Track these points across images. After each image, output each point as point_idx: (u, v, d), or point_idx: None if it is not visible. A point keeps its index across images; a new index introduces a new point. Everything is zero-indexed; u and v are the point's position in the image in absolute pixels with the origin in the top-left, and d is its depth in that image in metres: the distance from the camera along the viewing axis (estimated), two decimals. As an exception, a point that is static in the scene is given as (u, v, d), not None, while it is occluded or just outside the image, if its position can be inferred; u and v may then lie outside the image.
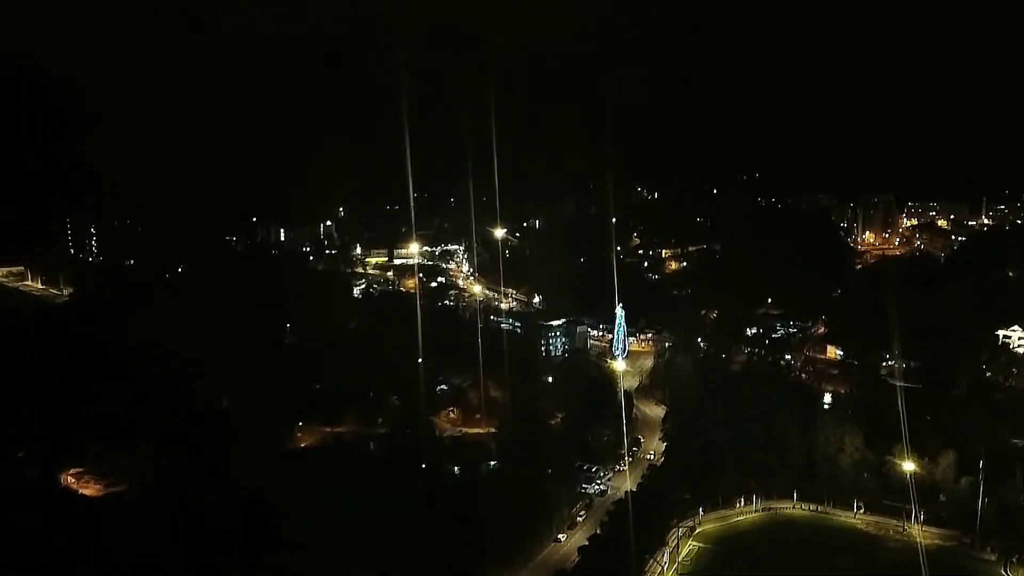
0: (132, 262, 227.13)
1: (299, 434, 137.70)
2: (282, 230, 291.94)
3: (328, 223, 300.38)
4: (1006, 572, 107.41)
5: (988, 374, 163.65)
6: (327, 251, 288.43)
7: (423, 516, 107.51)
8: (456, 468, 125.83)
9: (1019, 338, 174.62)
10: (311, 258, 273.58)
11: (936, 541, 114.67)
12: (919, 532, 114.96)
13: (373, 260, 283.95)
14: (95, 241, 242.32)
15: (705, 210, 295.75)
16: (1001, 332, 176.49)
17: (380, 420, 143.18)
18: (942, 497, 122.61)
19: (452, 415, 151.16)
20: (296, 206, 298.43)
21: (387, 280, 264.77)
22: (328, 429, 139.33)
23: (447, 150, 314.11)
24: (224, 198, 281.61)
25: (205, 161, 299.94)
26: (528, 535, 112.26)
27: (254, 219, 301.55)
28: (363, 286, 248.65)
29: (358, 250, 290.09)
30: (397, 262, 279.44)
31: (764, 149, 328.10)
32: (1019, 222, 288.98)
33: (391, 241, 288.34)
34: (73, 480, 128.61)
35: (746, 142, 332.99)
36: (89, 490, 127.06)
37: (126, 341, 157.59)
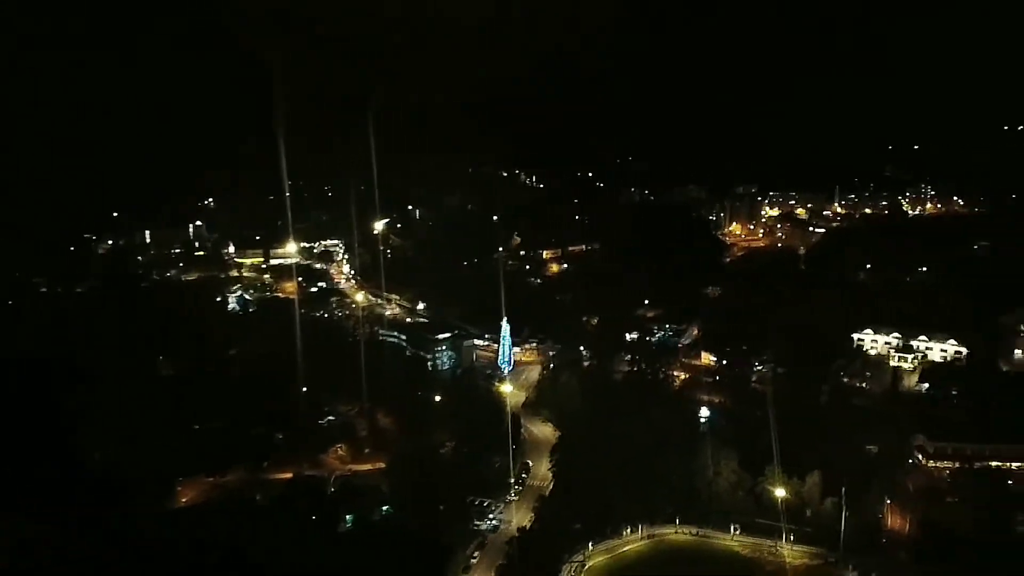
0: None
1: (181, 488, 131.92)
2: (148, 232, 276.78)
3: (198, 223, 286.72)
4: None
5: (846, 380, 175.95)
6: (198, 253, 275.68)
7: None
8: (348, 517, 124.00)
9: (872, 341, 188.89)
10: (181, 264, 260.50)
11: (804, 560, 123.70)
12: (788, 552, 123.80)
13: (248, 261, 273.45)
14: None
15: (584, 206, 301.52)
16: (856, 335, 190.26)
17: (266, 464, 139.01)
18: (809, 513, 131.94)
19: (340, 451, 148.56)
20: (163, 204, 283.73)
21: (264, 284, 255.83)
22: (212, 479, 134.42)
23: (324, 139, 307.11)
24: (82, 194, 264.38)
25: (59, 154, 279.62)
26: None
27: (115, 214, 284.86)
28: (238, 293, 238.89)
29: (231, 249, 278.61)
30: (274, 262, 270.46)
31: (639, 142, 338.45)
32: (867, 211, 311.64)
33: (267, 238, 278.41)
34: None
35: (622, 133, 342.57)
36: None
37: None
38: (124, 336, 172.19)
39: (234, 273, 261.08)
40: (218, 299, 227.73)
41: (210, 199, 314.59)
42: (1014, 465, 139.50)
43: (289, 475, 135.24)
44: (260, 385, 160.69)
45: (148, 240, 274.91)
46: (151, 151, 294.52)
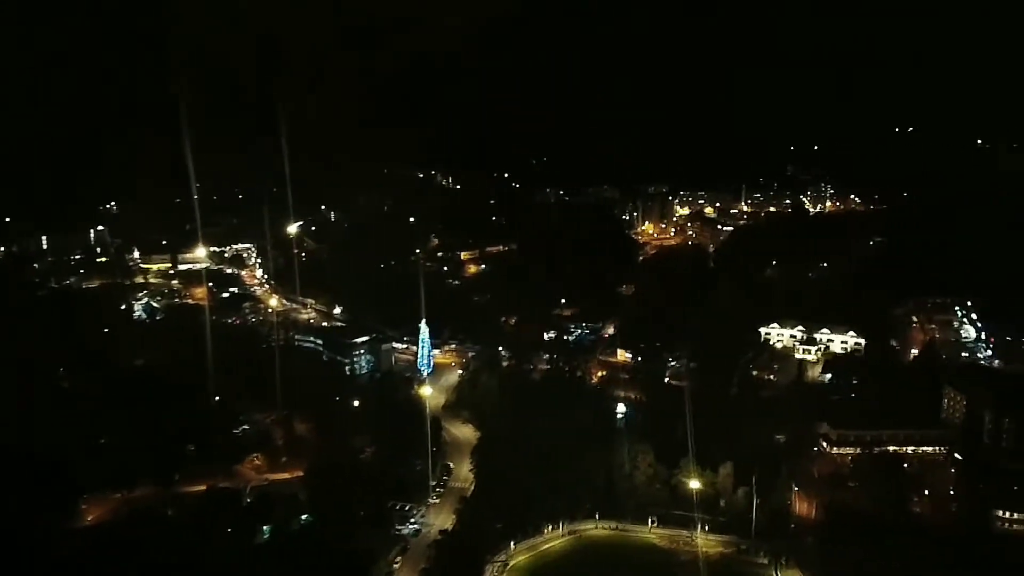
0: None
1: (86, 506, 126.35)
2: (44, 238, 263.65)
3: (100, 228, 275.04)
4: (777, 574, 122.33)
5: (755, 372, 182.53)
6: (100, 259, 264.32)
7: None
8: (266, 528, 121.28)
9: (778, 334, 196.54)
10: (82, 271, 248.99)
11: (719, 549, 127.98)
12: (703, 542, 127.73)
13: (155, 267, 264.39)
14: None
15: (500, 206, 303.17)
16: (763, 329, 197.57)
17: (177, 478, 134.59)
18: (722, 503, 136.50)
19: (257, 461, 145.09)
20: (62, 207, 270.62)
21: (172, 290, 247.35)
22: (120, 495, 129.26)
23: (233, 140, 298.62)
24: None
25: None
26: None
27: (7, 219, 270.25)
28: (144, 300, 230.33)
29: (136, 255, 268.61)
30: (183, 267, 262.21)
31: (553, 143, 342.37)
32: (772, 209, 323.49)
33: (174, 243, 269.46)
34: None
35: (536, 134, 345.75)
36: None
37: None
38: (21, 348, 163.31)
39: (140, 280, 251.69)
40: (123, 307, 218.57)
41: (112, 203, 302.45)
42: (909, 449, 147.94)
43: (203, 488, 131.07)
44: (170, 396, 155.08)
45: (45, 246, 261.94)
46: (46, 152, 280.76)
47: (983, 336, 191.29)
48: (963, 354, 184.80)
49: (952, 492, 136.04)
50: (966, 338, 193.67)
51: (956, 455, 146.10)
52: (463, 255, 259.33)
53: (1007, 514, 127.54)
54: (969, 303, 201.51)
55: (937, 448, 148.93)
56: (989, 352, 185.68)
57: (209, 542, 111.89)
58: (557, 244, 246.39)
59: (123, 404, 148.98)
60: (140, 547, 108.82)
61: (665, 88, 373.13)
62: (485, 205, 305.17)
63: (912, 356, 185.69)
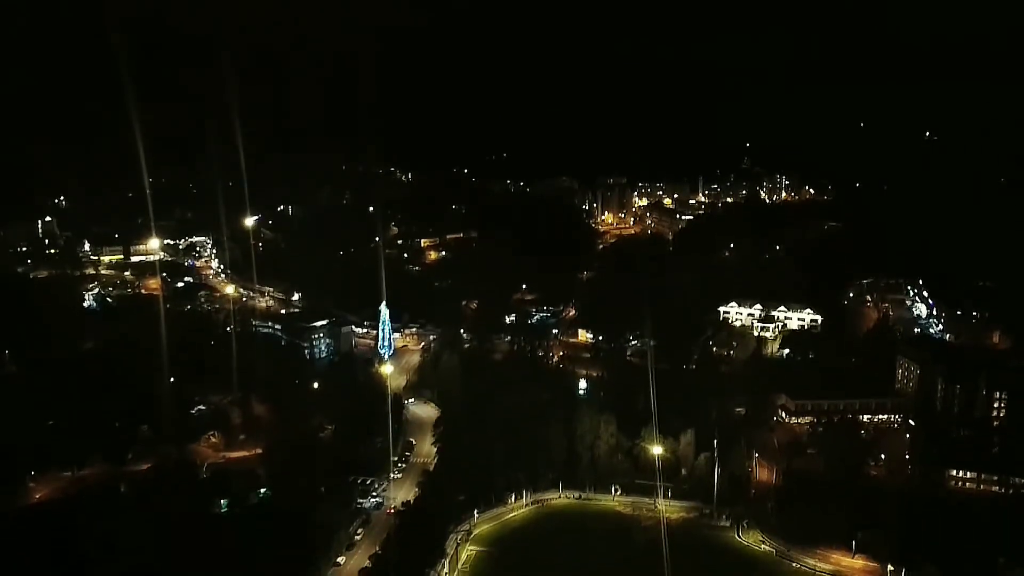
0: None
1: (33, 484, 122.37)
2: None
3: (48, 219, 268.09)
4: (739, 536, 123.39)
5: (714, 349, 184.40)
6: (49, 251, 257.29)
7: (188, 564, 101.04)
8: (223, 502, 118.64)
9: (736, 313, 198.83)
10: (29, 261, 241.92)
11: (681, 514, 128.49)
12: (666, 508, 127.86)
13: (107, 259, 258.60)
14: None
15: (460, 196, 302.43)
16: (722, 308, 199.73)
17: (131, 456, 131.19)
18: (684, 471, 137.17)
19: (214, 439, 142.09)
20: (4, 198, 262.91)
21: (125, 282, 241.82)
22: (69, 474, 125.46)
23: (186, 134, 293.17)
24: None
25: None
26: (306, 564, 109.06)
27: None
28: (96, 291, 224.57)
29: (87, 247, 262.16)
30: (135, 259, 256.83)
31: (511, 135, 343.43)
32: (729, 200, 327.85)
33: (126, 236, 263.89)
34: None
35: (494, 128, 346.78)
36: None
37: None
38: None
39: (90, 271, 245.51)
40: (73, 296, 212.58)
41: (61, 197, 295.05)
42: (865, 417, 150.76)
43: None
44: (120, 378, 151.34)
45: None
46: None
47: (934, 312, 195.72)
48: (915, 329, 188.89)
49: (907, 455, 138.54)
50: (918, 315, 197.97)
51: (910, 421, 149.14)
52: (423, 242, 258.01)
53: (959, 473, 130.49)
54: (920, 282, 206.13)
55: (892, 415, 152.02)
56: (940, 327, 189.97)
57: (163, 514, 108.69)
58: (517, 232, 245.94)
59: (71, 387, 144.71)
60: (89, 520, 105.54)
61: (624, 84, 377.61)
62: (445, 196, 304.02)
63: (866, 332, 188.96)
